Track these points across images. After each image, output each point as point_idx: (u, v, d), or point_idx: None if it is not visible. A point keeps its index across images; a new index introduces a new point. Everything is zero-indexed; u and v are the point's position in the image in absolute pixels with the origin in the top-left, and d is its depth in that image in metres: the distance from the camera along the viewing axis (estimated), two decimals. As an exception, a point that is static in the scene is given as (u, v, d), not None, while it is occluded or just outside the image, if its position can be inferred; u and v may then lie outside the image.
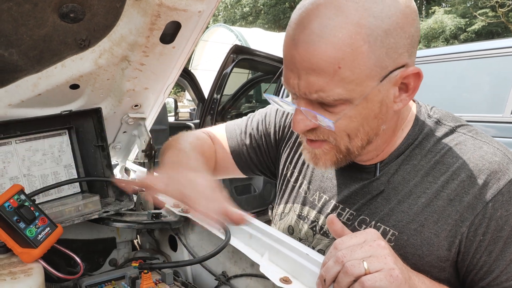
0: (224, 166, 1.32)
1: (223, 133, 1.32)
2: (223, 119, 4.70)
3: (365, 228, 0.98)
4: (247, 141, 1.28)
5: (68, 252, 1.03)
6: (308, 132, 0.91)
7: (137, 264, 1.00)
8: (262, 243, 0.96)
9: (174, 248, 1.33)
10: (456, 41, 18.11)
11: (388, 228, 0.96)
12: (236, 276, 1.04)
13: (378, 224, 0.97)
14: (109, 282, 1.11)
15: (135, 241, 1.51)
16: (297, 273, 0.86)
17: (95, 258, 1.37)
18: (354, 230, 0.98)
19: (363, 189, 1.01)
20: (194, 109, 6.24)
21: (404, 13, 0.79)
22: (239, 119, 1.35)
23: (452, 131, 0.96)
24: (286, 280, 0.83)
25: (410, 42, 0.81)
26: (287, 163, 1.24)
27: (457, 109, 3.72)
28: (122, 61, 1.13)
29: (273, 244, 0.93)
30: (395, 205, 0.95)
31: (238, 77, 5.97)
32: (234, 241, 1.01)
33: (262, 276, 0.96)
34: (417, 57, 0.88)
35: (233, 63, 4.21)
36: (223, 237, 1.04)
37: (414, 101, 1.04)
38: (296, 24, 0.81)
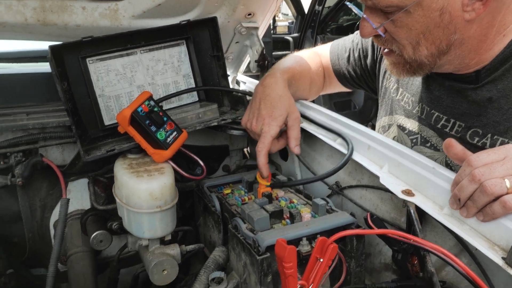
0: (329, 82, 1.43)
1: (327, 52, 1.41)
2: (323, 32, 4.51)
3: (478, 142, 0.94)
4: (347, 59, 1.35)
5: (193, 156, 1.11)
6: (377, 41, 0.96)
7: (269, 183, 1.05)
8: (381, 155, 0.94)
9: (284, 157, 1.36)
10: None
11: (507, 140, 0.90)
12: (350, 187, 1.05)
13: (495, 137, 0.92)
14: (227, 185, 1.19)
15: (245, 150, 1.59)
16: (420, 186, 0.83)
17: (210, 163, 1.48)
18: (466, 144, 0.93)
19: (467, 98, 0.96)
20: (293, 22, 6.04)
21: None
22: (342, 38, 1.40)
23: None
24: (408, 193, 0.81)
25: None
26: (387, 75, 1.23)
27: None
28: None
29: (394, 156, 0.91)
30: (511, 115, 0.90)
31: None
32: (350, 152, 1.00)
33: (379, 188, 0.95)
34: None
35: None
36: (339, 148, 1.03)
37: None
38: None
